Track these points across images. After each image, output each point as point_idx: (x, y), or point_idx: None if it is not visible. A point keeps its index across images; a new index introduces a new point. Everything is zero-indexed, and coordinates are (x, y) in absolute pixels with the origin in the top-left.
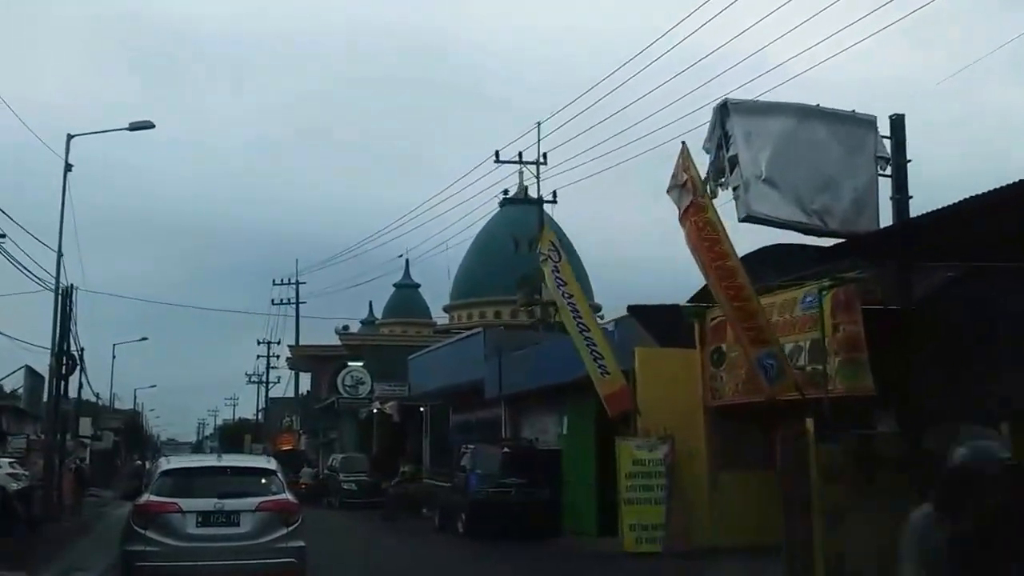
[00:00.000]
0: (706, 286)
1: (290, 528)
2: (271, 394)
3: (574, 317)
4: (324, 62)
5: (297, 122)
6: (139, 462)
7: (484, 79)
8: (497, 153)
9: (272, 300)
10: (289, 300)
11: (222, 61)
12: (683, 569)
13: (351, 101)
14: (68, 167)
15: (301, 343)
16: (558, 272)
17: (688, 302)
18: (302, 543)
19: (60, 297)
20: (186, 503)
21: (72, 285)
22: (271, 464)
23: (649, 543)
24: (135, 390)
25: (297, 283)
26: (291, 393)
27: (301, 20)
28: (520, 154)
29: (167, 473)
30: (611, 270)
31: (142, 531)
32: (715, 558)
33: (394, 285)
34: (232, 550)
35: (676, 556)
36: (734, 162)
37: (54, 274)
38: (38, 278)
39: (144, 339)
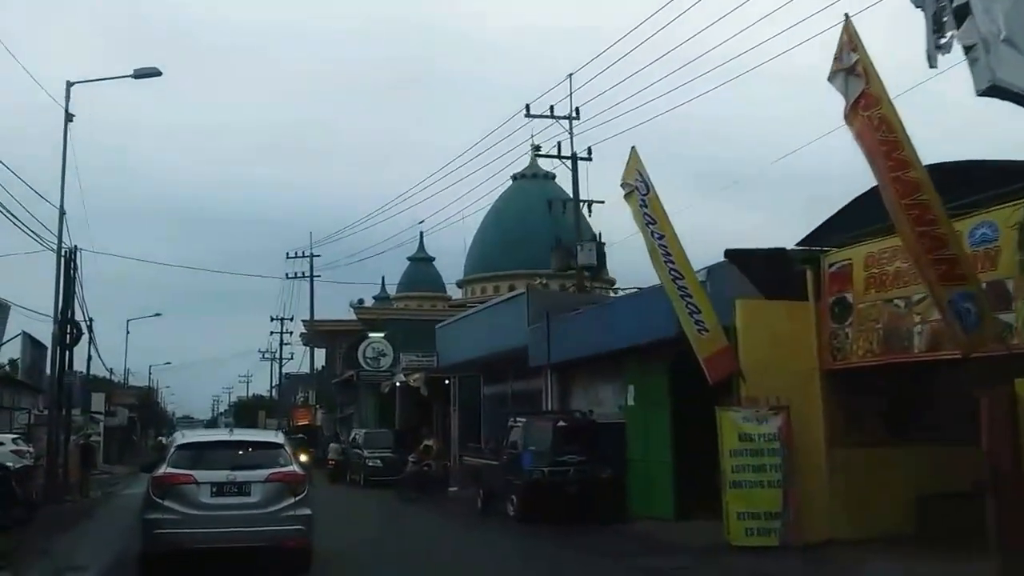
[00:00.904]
0: (817, 229)
1: (298, 497)
2: (285, 371)
3: (666, 263)
4: (336, 42)
5: (308, 106)
6: (160, 439)
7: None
8: (528, 107)
9: (286, 274)
10: (303, 274)
11: (234, 44)
12: (825, 570)
13: (361, 82)
14: (68, 117)
15: (315, 319)
16: (646, 207)
17: (797, 246)
18: (309, 511)
19: (63, 259)
20: (201, 474)
21: (76, 246)
22: (279, 438)
23: (762, 535)
24: (150, 367)
25: (311, 256)
26: (305, 369)
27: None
28: (551, 107)
29: (182, 447)
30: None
31: (160, 500)
32: (848, 553)
33: (408, 259)
34: (244, 518)
35: (795, 551)
36: (963, 13)
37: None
38: (36, 235)
39: (158, 315)
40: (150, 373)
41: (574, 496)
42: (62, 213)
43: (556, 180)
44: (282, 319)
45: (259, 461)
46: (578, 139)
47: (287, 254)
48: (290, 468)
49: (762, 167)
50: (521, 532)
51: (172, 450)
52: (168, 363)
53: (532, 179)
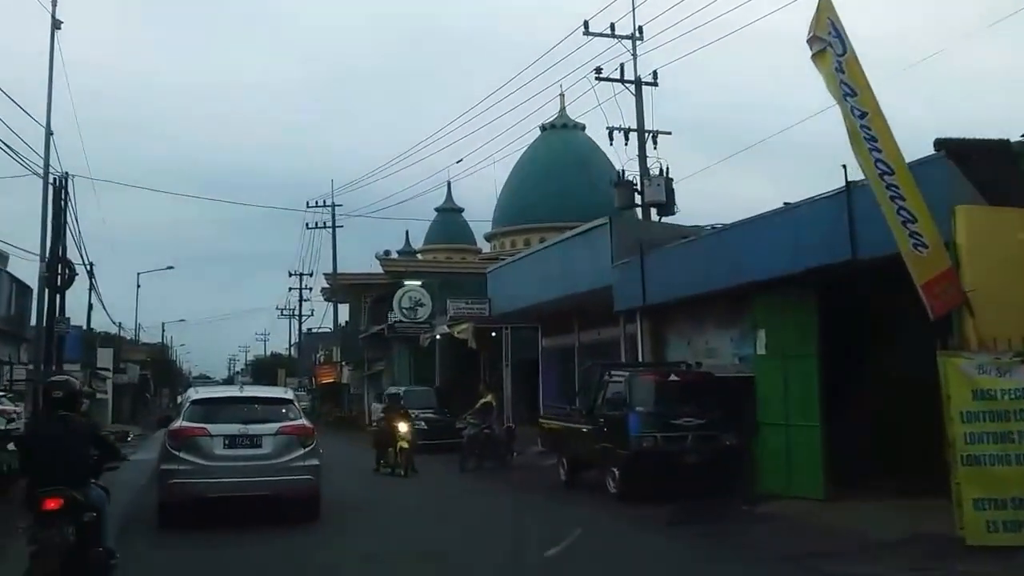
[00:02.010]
0: None
1: (306, 449)
2: (306, 327)
3: (871, 151)
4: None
5: (329, 64)
6: (179, 399)
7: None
8: (586, 24)
9: (306, 224)
10: (325, 224)
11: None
12: None
13: (381, 37)
14: (56, 23)
15: (338, 272)
16: (843, 72)
17: None
18: (317, 462)
19: (51, 186)
20: (214, 428)
21: (67, 173)
22: (288, 394)
23: (1010, 530)
24: (163, 324)
25: (333, 204)
26: (326, 326)
27: None
28: (612, 25)
29: (196, 402)
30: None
31: (176, 452)
32: None
33: (436, 209)
34: (255, 468)
35: None
36: None
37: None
38: (18, 154)
39: (170, 268)
40: (163, 330)
41: (691, 469)
42: (49, 133)
43: (586, 131)
44: (301, 274)
45: (269, 415)
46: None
47: (307, 203)
48: (299, 421)
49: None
50: (633, 516)
51: (187, 405)
52: (183, 320)
53: (562, 129)
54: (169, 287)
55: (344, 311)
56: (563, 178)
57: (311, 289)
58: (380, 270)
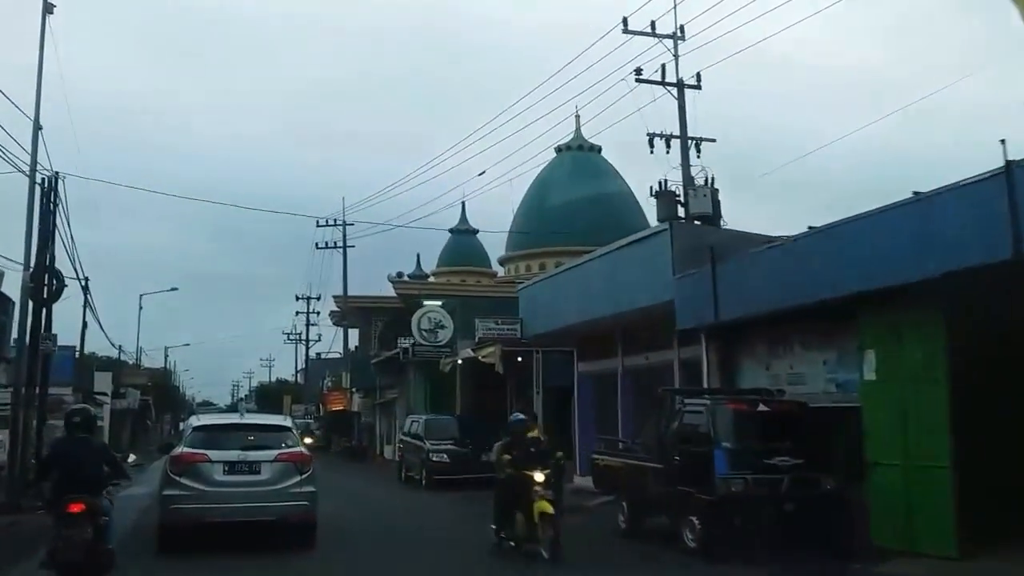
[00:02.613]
0: None
1: (303, 476)
2: (314, 352)
3: None
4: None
5: (340, 80)
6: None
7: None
8: (625, 20)
9: (316, 244)
10: (335, 244)
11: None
12: None
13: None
14: (48, 7)
15: (348, 295)
16: None
17: None
18: (314, 488)
19: (39, 187)
20: (214, 454)
21: (57, 173)
22: (287, 422)
23: None
24: (166, 348)
25: (344, 223)
26: (334, 352)
27: None
28: (652, 24)
29: (198, 429)
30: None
31: (177, 478)
32: None
33: (450, 231)
34: (253, 494)
35: None
36: None
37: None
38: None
39: (174, 289)
40: (166, 354)
41: (788, 518)
42: (37, 127)
43: (602, 152)
44: (308, 298)
45: (268, 442)
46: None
47: (317, 222)
48: (297, 449)
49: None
50: None
51: (188, 431)
52: (187, 344)
53: (577, 151)
54: (173, 311)
55: (353, 336)
56: (579, 201)
57: (319, 313)
58: (391, 293)
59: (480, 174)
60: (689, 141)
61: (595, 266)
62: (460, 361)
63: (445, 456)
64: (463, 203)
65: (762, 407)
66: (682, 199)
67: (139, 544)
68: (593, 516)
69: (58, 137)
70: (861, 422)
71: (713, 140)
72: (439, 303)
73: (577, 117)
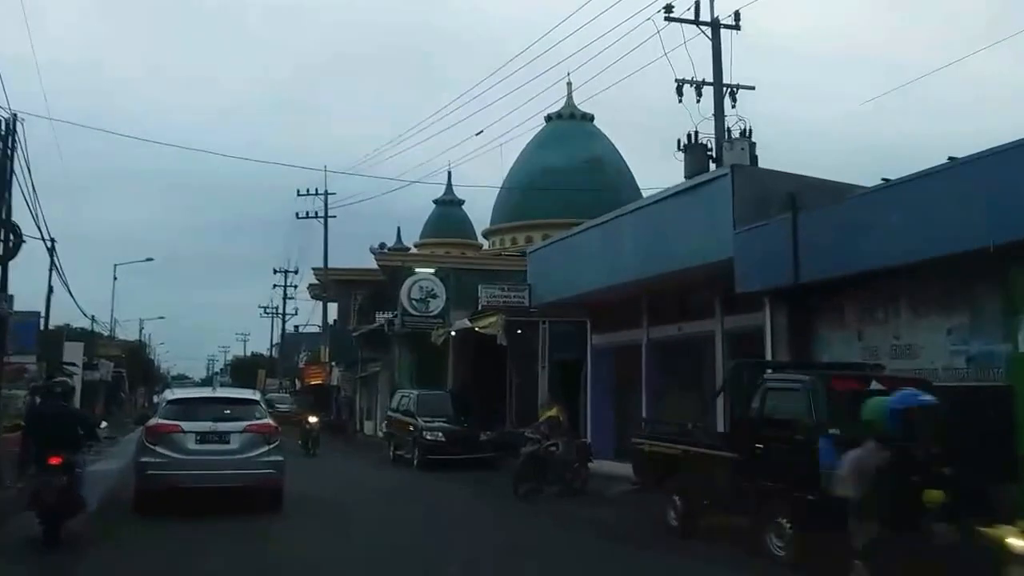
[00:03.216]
0: None
1: (271, 446)
2: (289, 327)
3: None
4: None
5: (319, 52)
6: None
7: None
8: None
9: (296, 213)
10: (316, 214)
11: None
12: None
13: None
14: None
15: (328, 267)
16: None
17: None
18: (281, 458)
19: None
20: (187, 425)
21: (15, 114)
22: (256, 395)
23: None
24: (140, 320)
25: (326, 192)
26: (312, 327)
27: None
28: None
29: (172, 402)
30: None
31: (152, 447)
32: None
33: (435, 201)
34: (224, 462)
35: None
36: None
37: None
38: None
39: (150, 259)
40: (141, 326)
41: (914, 523)
42: None
43: (594, 121)
44: (286, 271)
45: (238, 414)
46: None
47: (298, 191)
48: (265, 420)
49: None
50: None
51: (163, 404)
52: (162, 317)
53: (569, 120)
54: (149, 285)
55: (331, 311)
56: (570, 171)
57: (296, 287)
58: (372, 266)
59: (477, 133)
60: (724, 89)
61: (626, 223)
62: (454, 333)
63: (440, 434)
64: (449, 172)
65: (876, 385)
66: (714, 153)
67: (116, 511)
68: (620, 506)
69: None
70: (1008, 406)
71: (752, 88)
72: (431, 270)
73: (569, 84)
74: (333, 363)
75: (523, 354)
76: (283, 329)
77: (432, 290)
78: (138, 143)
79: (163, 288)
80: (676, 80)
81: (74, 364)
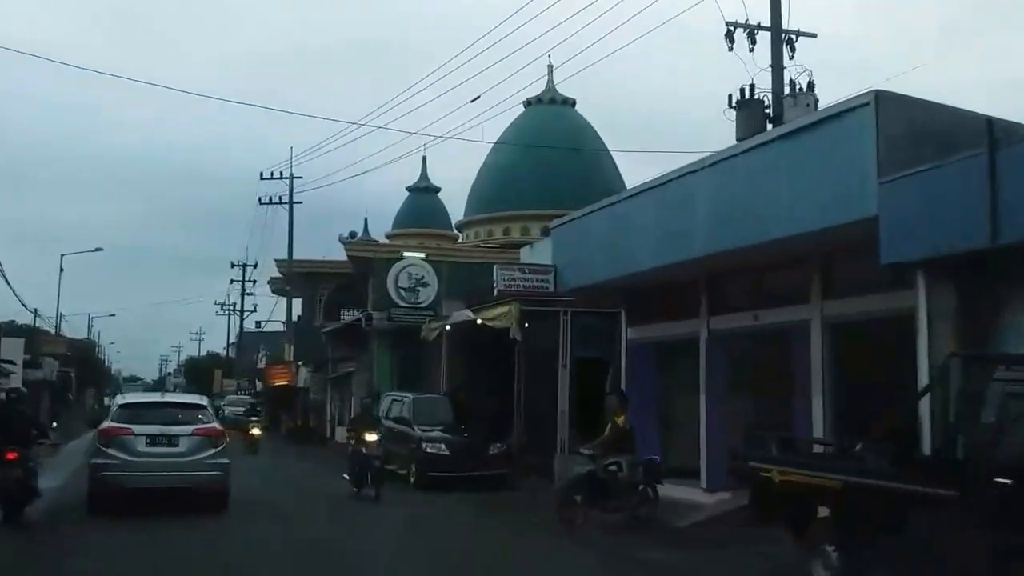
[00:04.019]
0: None
1: (217, 449)
2: (249, 324)
3: None
4: None
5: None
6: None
7: None
8: None
9: (259, 199)
10: (280, 199)
11: None
12: None
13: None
14: None
15: (293, 259)
16: None
17: None
18: (227, 460)
19: None
20: (138, 428)
21: None
22: (203, 401)
23: None
24: (89, 315)
25: (292, 176)
26: (274, 320)
27: None
28: None
29: (123, 406)
30: None
31: (104, 448)
32: None
33: (408, 189)
34: (172, 464)
35: None
36: None
37: None
38: None
39: (99, 249)
40: (90, 323)
41: None
42: None
43: (576, 107)
44: (244, 265)
45: (186, 418)
46: None
47: (261, 174)
48: (212, 424)
49: None
50: None
51: (115, 408)
52: (112, 315)
53: (549, 104)
54: (99, 282)
55: (295, 307)
56: (550, 160)
57: (255, 282)
58: (339, 258)
59: (473, 100)
60: (783, 36)
61: (697, 182)
62: (449, 327)
63: (442, 446)
64: (424, 157)
65: None
66: (772, 110)
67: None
68: (710, 547)
69: None
70: None
71: (814, 35)
72: (422, 255)
73: (549, 67)
74: (300, 363)
75: (535, 351)
76: (241, 327)
77: (422, 278)
78: (89, 130)
79: (114, 285)
80: (727, 24)
81: (12, 362)
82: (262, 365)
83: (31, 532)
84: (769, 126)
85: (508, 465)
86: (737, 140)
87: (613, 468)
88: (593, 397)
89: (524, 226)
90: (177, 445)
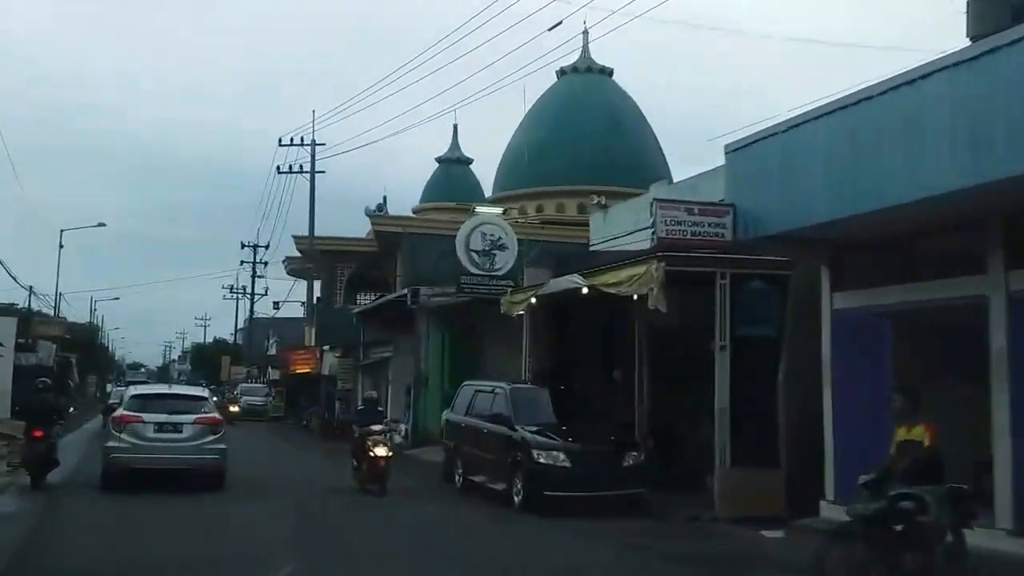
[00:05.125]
0: None
1: (216, 435)
2: (260, 309)
3: None
4: None
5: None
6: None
7: None
8: None
9: (278, 167)
10: (301, 168)
11: None
12: None
13: None
14: None
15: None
16: None
17: None
18: (225, 446)
19: None
20: (147, 416)
21: None
22: (205, 392)
23: None
24: (92, 298)
25: (313, 144)
26: (290, 302)
27: None
28: None
29: (134, 396)
30: None
31: (118, 434)
32: None
33: (438, 160)
34: (176, 448)
35: None
36: None
37: None
38: None
39: (102, 224)
40: (92, 306)
41: None
42: None
43: (614, 76)
44: (255, 246)
45: (189, 408)
46: None
47: (280, 140)
48: (212, 414)
49: None
50: None
51: (127, 398)
52: (116, 298)
53: (585, 73)
54: (103, 271)
55: (302, 291)
56: (586, 132)
57: (266, 264)
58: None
59: (553, 27)
60: None
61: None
62: (534, 300)
63: (562, 456)
64: (455, 126)
65: None
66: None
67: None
68: None
69: None
70: None
71: None
72: (499, 210)
73: (585, 33)
74: (326, 347)
75: (664, 328)
76: (251, 310)
77: (499, 239)
78: (101, 114)
79: (118, 272)
80: None
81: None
82: (272, 352)
83: (52, 493)
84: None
85: (646, 482)
86: (970, 40)
87: (909, 505)
88: (757, 386)
89: (559, 203)
90: (181, 431)
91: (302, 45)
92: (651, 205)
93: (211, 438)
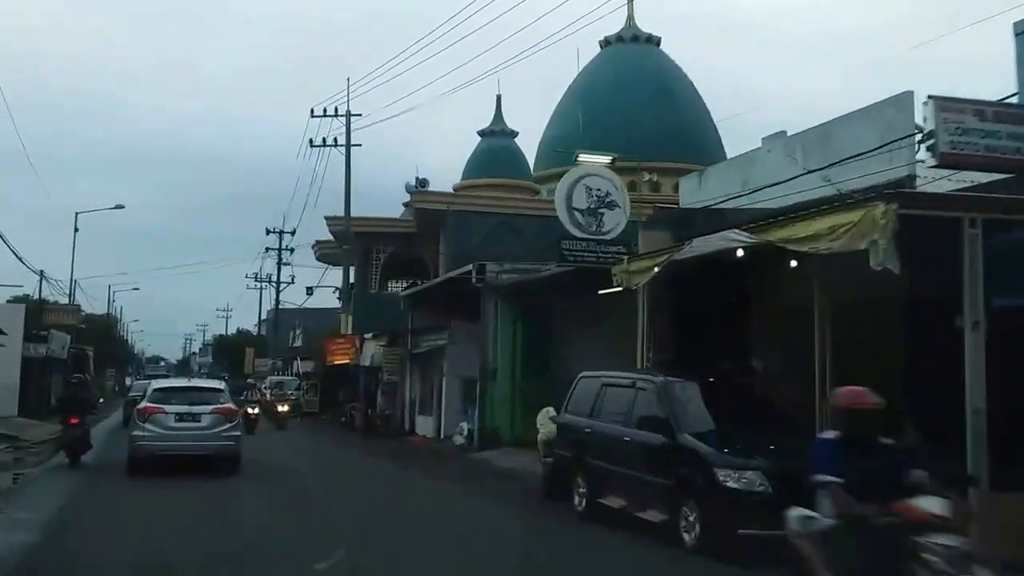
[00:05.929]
0: None
1: (232, 424)
2: (286, 299)
3: None
4: None
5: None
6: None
7: None
8: None
9: (311, 141)
10: (336, 141)
11: None
12: None
13: None
14: None
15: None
16: None
17: None
18: (239, 433)
19: None
20: (168, 407)
21: None
22: (221, 385)
23: None
24: (110, 287)
25: (348, 114)
26: (324, 287)
27: None
28: None
29: (157, 390)
30: None
31: (143, 424)
32: None
33: (480, 133)
34: (196, 436)
35: None
36: None
37: None
38: None
39: (120, 207)
40: (110, 297)
41: None
42: None
43: (661, 45)
44: (281, 232)
45: (207, 399)
46: None
47: (311, 111)
48: (227, 404)
49: None
50: None
51: (150, 391)
52: (136, 288)
53: (631, 43)
54: (123, 262)
55: (335, 276)
56: (633, 106)
57: (292, 251)
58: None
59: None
60: None
61: None
62: (656, 270)
63: (758, 479)
64: (498, 96)
65: None
66: None
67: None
68: None
69: None
70: None
71: None
72: (606, 159)
73: (631, 3)
74: (366, 336)
75: (856, 302)
76: (276, 300)
77: (607, 195)
78: (120, 109)
79: (136, 263)
80: None
81: (1, 333)
82: (298, 343)
83: (88, 471)
84: None
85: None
86: None
87: None
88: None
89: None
90: (199, 421)
91: (341, 38)
92: (924, 107)
93: (227, 426)
